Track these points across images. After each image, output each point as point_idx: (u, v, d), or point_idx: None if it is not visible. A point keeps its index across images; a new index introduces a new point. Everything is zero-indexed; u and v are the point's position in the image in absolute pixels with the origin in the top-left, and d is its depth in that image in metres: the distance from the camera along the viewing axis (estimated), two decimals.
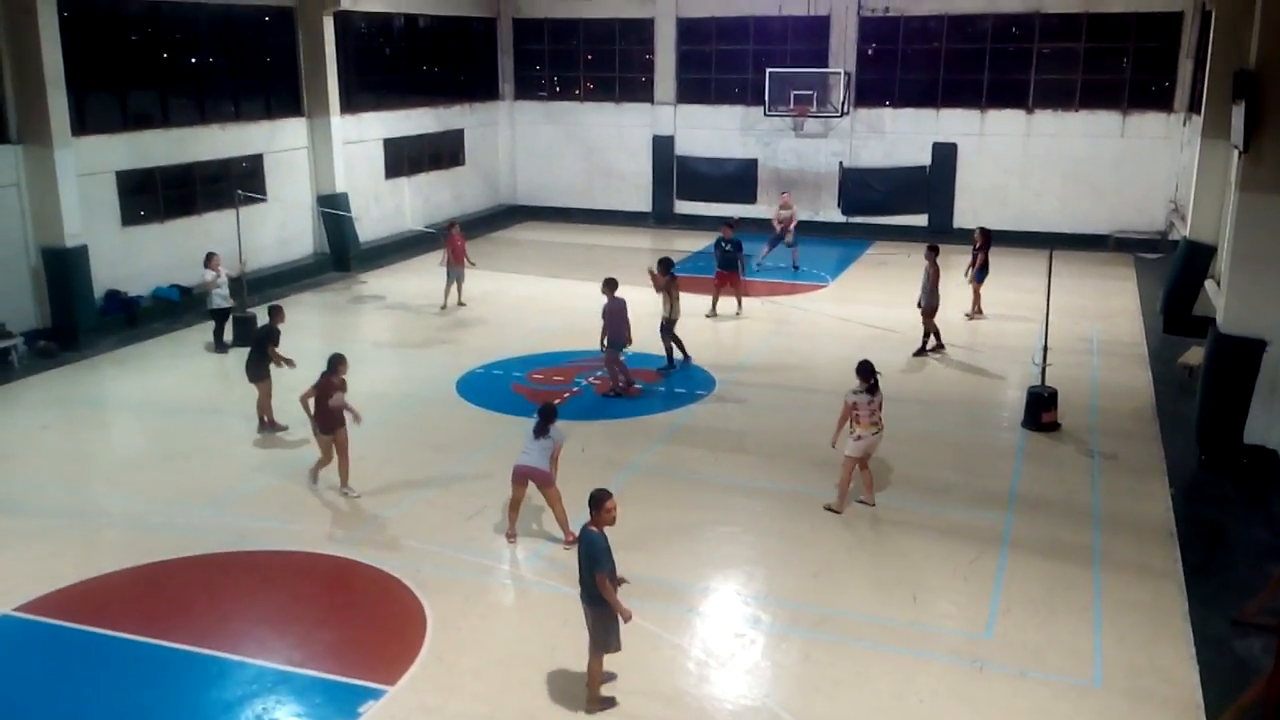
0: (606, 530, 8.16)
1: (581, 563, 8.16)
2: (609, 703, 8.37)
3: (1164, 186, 26.60)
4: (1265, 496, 12.47)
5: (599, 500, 8.18)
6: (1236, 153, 13.91)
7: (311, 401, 11.99)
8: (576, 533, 8.94)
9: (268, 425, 14.36)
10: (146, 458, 13.76)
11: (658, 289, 16.78)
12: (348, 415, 12.09)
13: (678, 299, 16.84)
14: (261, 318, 15.87)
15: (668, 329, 16.93)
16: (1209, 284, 19.21)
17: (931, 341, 18.04)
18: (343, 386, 12.04)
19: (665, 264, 16.93)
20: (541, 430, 10.83)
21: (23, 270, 18.05)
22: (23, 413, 15.34)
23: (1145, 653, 9.16)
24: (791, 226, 24.51)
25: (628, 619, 8.09)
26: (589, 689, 8.35)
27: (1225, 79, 15.80)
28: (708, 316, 20.21)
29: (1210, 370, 13.45)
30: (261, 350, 14.19)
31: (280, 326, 14.40)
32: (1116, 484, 12.80)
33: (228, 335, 18.21)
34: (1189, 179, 21.18)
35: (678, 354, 17.17)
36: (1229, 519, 11.99)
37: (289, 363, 14.15)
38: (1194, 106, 23.96)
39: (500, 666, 8.96)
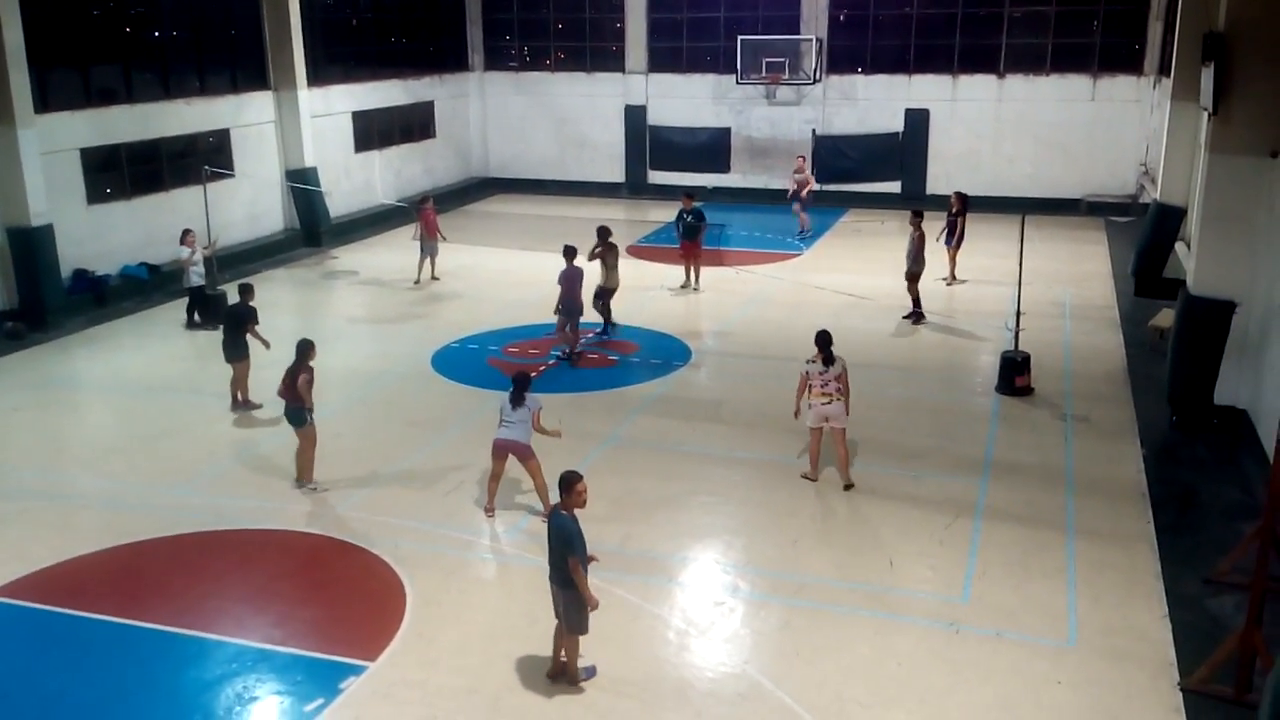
0: (577, 511, 8.12)
1: (552, 546, 8.08)
2: (589, 673, 8.39)
3: (1134, 149, 26.73)
4: (1236, 456, 12.62)
5: (569, 482, 8.08)
6: (1206, 115, 13.97)
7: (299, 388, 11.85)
8: None
9: (242, 404, 14.28)
10: (120, 438, 13.64)
11: (589, 258, 16.72)
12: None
13: (614, 268, 16.84)
14: (232, 295, 15.73)
15: (603, 297, 16.92)
16: (1179, 246, 19.35)
17: (911, 308, 18.08)
18: None
19: (601, 233, 16.92)
20: (518, 399, 10.80)
21: None
22: None
23: (1119, 612, 9.28)
24: (805, 192, 24.45)
25: (594, 607, 8.06)
26: (568, 669, 8.36)
27: (1194, 41, 15.83)
28: (682, 288, 20.19)
29: (1181, 332, 13.56)
30: (239, 329, 14.07)
31: (253, 304, 14.30)
32: (1089, 446, 12.92)
33: (198, 313, 18.03)
34: (1159, 142, 21.27)
35: (612, 320, 17.17)
36: (1200, 479, 12.13)
37: (265, 343, 14.08)
38: (1164, 69, 24.04)
39: (481, 640, 8.97)
